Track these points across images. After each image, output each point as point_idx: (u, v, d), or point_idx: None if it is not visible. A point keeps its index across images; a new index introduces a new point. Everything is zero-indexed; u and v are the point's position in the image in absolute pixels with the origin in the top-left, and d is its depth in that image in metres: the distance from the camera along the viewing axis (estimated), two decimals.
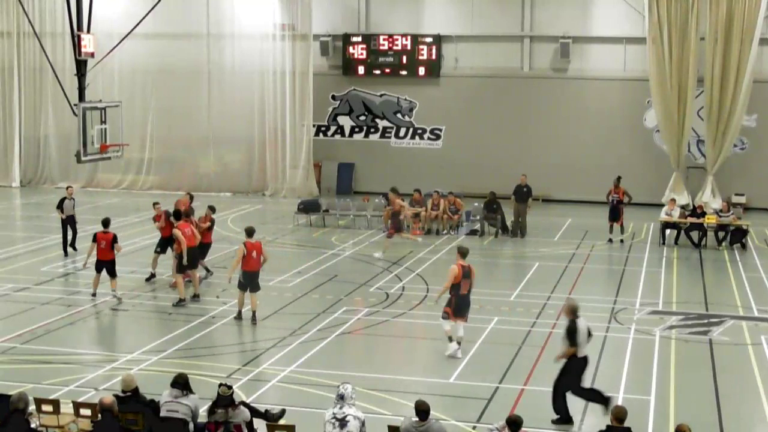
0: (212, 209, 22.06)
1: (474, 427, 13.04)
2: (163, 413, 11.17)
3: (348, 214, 29.93)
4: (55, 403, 11.72)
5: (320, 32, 36.55)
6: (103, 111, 24.37)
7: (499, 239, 27.74)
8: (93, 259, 20.18)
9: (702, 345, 17.19)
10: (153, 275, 21.41)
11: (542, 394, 14.44)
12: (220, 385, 11.15)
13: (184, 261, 19.52)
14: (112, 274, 19.79)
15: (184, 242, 19.37)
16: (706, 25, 32.34)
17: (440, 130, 36.75)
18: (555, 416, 13.20)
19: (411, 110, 36.98)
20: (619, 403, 12.92)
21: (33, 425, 10.90)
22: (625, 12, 34.45)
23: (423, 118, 36.85)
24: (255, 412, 11.68)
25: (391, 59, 36.30)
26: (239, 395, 12.94)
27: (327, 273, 22.79)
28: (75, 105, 23.79)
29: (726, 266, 24.49)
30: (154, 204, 22.34)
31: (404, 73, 36.31)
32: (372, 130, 37.40)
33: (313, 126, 36.77)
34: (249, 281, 18.24)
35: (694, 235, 26.78)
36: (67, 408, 11.76)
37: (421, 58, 36.09)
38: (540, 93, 35.55)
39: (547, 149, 35.43)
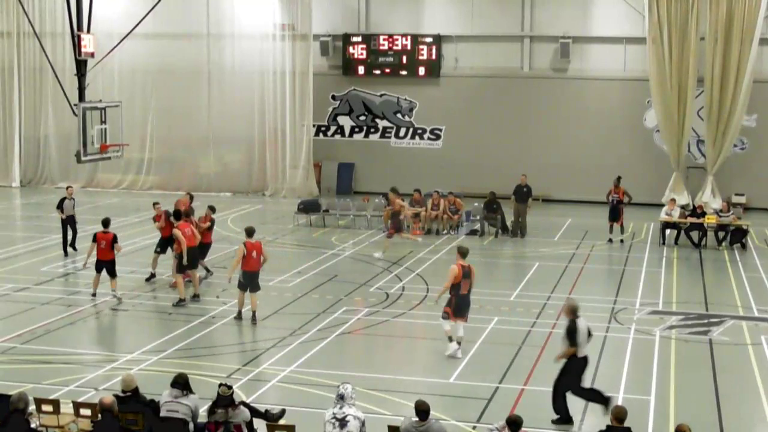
0: (212, 209, 22.07)
1: (474, 427, 13.04)
2: (163, 413, 11.17)
3: (348, 214, 29.94)
4: (55, 403, 11.73)
5: (320, 32, 36.55)
6: (103, 111, 24.37)
7: (499, 239, 27.74)
8: (93, 259, 20.19)
9: (702, 345, 17.19)
10: (153, 275, 21.41)
11: (542, 394, 14.44)
12: (220, 385, 11.16)
13: (184, 261, 19.52)
14: (112, 274, 19.79)
15: (184, 242, 19.37)
16: (706, 25, 32.35)
17: (440, 130, 36.75)
18: (555, 416, 13.20)
19: (411, 110, 36.98)
20: (619, 403, 12.93)
21: (33, 425, 10.91)
22: (625, 12, 34.46)
23: (423, 118, 36.86)
24: (255, 412, 11.69)
25: (391, 59, 36.30)
26: (239, 395, 12.94)
27: (327, 273, 22.79)
28: (75, 105, 23.79)
29: (726, 266, 24.49)
30: (154, 204, 22.35)
31: (404, 73, 36.31)
32: (372, 130, 37.40)
33: (313, 126, 36.77)
34: (249, 281, 18.25)
35: (694, 235, 26.78)
36: (67, 408, 11.77)
37: (421, 58, 36.09)
38: (540, 93, 35.55)
39: (547, 149, 35.43)
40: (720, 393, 14.56)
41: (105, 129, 24.29)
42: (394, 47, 36.19)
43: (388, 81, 36.81)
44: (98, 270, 20.03)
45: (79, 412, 11.58)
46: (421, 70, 36.21)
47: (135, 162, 37.35)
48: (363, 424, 10.52)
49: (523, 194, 27.85)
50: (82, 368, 15.34)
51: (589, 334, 13.45)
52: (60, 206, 24.32)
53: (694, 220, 26.93)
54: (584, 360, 13.31)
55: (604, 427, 10.74)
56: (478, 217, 28.57)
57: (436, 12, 36.25)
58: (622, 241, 27.27)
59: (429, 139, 36.90)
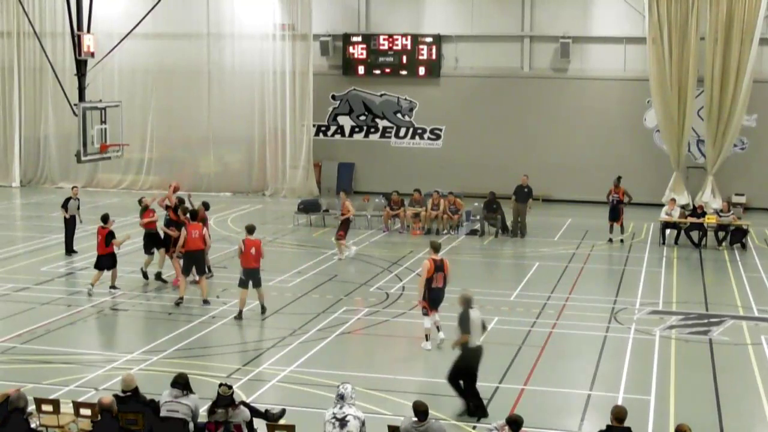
0: (206, 206, 22.12)
1: (474, 427, 13.04)
2: (163, 413, 11.17)
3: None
4: (55, 403, 11.74)
5: (320, 32, 36.56)
6: (103, 111, 24.37)
7: (499, 239, 27.74)
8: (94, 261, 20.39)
9: (702, 345, 17.19)
10: (159, 274, 21.39)
11: (542, 394, 14.47)
12: (220, 385, 11.16)
13: (179, 247, 19.65)
14: (111, 266, 20.07)
15: (184, 234, 19.38)
16: (706, 25, 32.34)
17: (440, 130, 36.75)
18: (466, 408, 13.35)
19: (411, 110, 36.98)
20: (619, 403, 12.94)
21: (33, 425, 10.91)
22: (625, 12, 34.46)
23: (423, 118, 36.86)
24: (255, 412, 11.69)
25: (391, 59, 36.30)
26: (239, 395, 12.94)
27: (327, 273, 22.79)
28: (75, 105, 23.79)
29: (726, 266, 24.49)
30: (140, 201, 22.45)
31: (404, 73, 36.31)
32: (372, 130, 37.40)
33: (313, 126, 36.78)
34: (249, 278, 18.36)
35: (694, 235, 26.79)
36: (67, 408, 11.78)
37: (421, 58, 36.09)
38: (540, 93, 35.55)
39: (547, 149, 35.43)
40: (720, 393, 14.56)
41: (105, 129, 24.29)
42: (394, 47, 36.19)
43: (388, 81, 36.81)
44: (98, 266, 20.12)
45: (79, 412, 11.59)
46: (421, 70, 36.21)
47: (135, 162, 37.37)
48: (363, 424, 10.53)
49: (523, 194, 27.85)
50: (82, 368, 15.33)
51: (484, 327, 13.86)
52: (65, 205, 24.37)
53: (694, 220, 26.93)
54: (476, 350, 13.57)
55: (604, 427, 10.74)
56: (478, 217, 28.57)
57: (436, 12, 36.25)
58: (622, 241, 27.27)
59: (429, 139, 36.90)
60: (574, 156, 35.28)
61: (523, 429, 10.40)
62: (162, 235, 21.41)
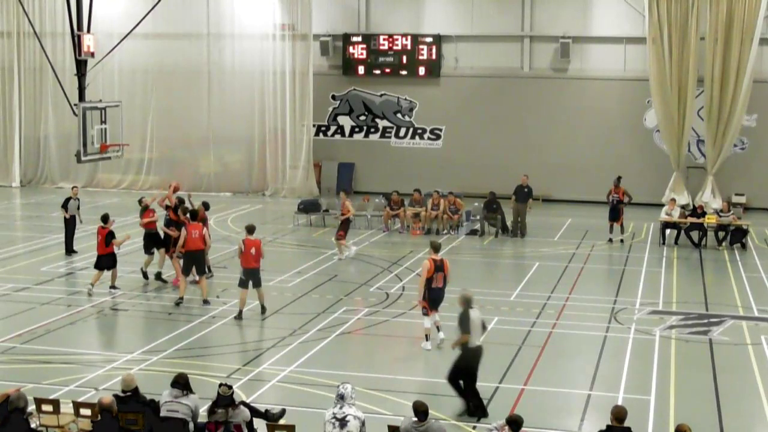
0: (206, 206, 22.12)
1: (474, 427, 13.04)
2: (163, 413, 11.17)
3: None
4: (55, 403, 11.73)
5: (320, 32, 36.56)
6: (103, 111, 24.36)
7: (499, 239, 27.74)
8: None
9: (702, 345, 17.19)
10: (159, 274, 21.39)
11: (542, 394, 14.47)
12: (220, 385, 11.16)
13: (178, 246, 19.66)
14: (111, 266, 20.09)
15: (184, 234, 19.38)
16: (706, 25, 32.34)
17: (440, 130, 36.75)
18: (466, 407, 13.34)
19: (411, 110, 36.98)
20: (619, 403, 12.95)
21: (33, 425, 10.91)
22: (625, 12, 34.46)
23: (423, 118, 36.86)
24: (255, 412, 11.69)
25: (391, 59, 36.30)
26: (239, 395, 12.94)
27: (327, 273, 22.79)
28: (75, 105, 23.78)
29: (726, 266, 24.49)
30: (140, 201, 22.46)
31: (404, 73, 36.31)
32: (372, 130, 37.40)
33: (313, 126, 36.78)
34: (249, 278, 18.38)
35: (694, 235, 26.79)
36: (67, 408, 11.77)
37: (421, 58, 36.09)
38: (540, 93, 35.55)
39: (547, 149, 35.43)
40: (720, 393, 14.56)
41: (105, 129, 24.28)
42: (394, 47, 36.19)
43: (388, 81, 36.81)
44: (98, 266, 20.14)
45: (79, 412, 11.59)
46: (421, 70, 36.21)
47: (135, 162, 37.37)
48: (363, 424, 10.53)
49: (523, 194, 27.85)
50: (82, 368, 15.34)
51: (484, 327, 13.85)
52: (65, 205, 24.38)
53: (694, 220, 26.93)
54: (476, 350, 13.56)
55: (604, 427, 10.74)
56: (478, 217, 28.57)
57: (436, 12, 36.25)
58: (622, 241, 27.28)
59: (429, 139, 36.90)
60: (574, 156, 35.28)
61: (523, 429, 10.40)
62: (162, 235, 21.42)
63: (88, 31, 24.11)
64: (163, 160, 37.49)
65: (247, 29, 36.43)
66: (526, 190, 27.95)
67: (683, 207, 29.79)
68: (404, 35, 36.09)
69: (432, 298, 16.41)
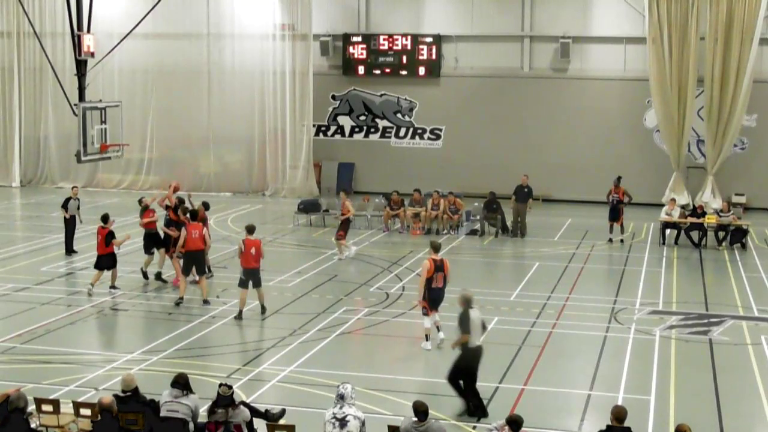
0: (206, 206, 22.12)
1: (474, 427, 13.04)
2: (163, 413, 11.17)
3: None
4: (55, 403, 11.73)
5: (320, 32, 36.56)
6: (103, 111, 24.36)
7: (499, 239, 27.74)
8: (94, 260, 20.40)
9: (702, 345, 17.19)
10: (159, 274, 21.38)
11: (542, 394, 14.47)
12: (220, 385, 11.16)
13: (179, 246, 19.68)
14: (111, 266, 20.10)
15: (184, 234, 19.38)
16: (706, 25, 32.34)
17: (440, 130, 36.75)
18: (466, 407, 13.34)
19: (411, 110, 36.98)
20: (619, 403, 12.95)
21: (33, 425, 10.91)
22: (625, 12, 34.46)
23: (423, 118, 36.85)
24: (255, 412, 11.69)
25: (391, 59, 36.30)
26: (239, 395, 12.94)
27: (327, 273, 22.79)
28: (75, 105, 23.79)
29: (726, 266, 24.49)
30: (140, 201, 22.47)
31: (404, 73, 36.31)
32: (372, 130, 37.40)
33: (313, 126, 36.78)
34: (249, 278, 18.39)
35: (694, 235, 26.79)
36: (67, 408, 11.77)
37: (421, 58, 36.09)
38: (540, 93, 35.55)
39: (547, 149, 35.43)
40: (720, 393, 14.56)
41: (105, 129, 24.29)
42: (394, 47, 36.19)
43: (388, 81, 36.81)
44: (98, 266, 20.15)
45: (79, 412, 11.59)
46: (421, 70, 36.21)
47: (135, 162, 37.37)
48: (363, 423, 10.53)
49: (523, 194, 27.84)
50: (82, 368, 15.34)
51: (484, 327, 13.86)
52: (65, 205, 24.39)
53: (694, 220, 26.93)
54: (476, 350, 13.56)
55: (604, 427, 10.74)
56: (478, 217, 28.57)
57: (436, 12, 36.25)
58: (622, 241, 27.27)
59: (429, 139, 36.90)
60: (574, 156, 35.28)
61: (523, 429, 10.40)
62: (162, 235, 21.43)
63: (88, 31, 24.12)
64: (163, 160, 37.48)
65: (247, 29, 36.43)
66: (526, 190, 27.95)
67: (683, 207, 29.79)
68: (404, 35, 36.09)
69: (432, 298, 16.43)
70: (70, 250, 24.33)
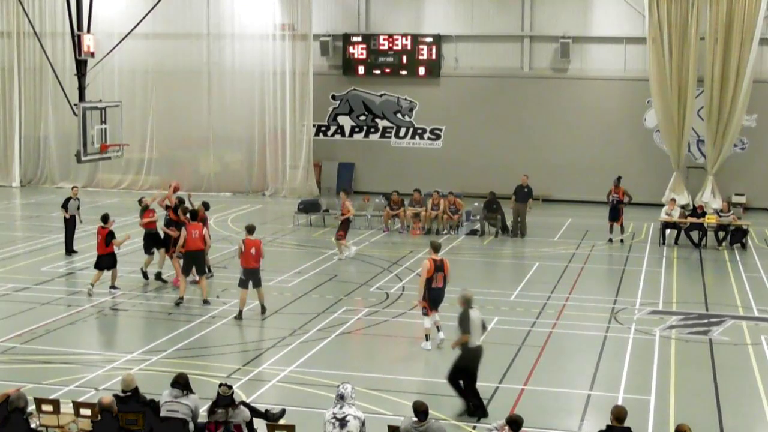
0: (206, 206, 22.12)
1: (474, 427, 13.04)
2: (163, 413, 11.17)
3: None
4: (55, 403, 11.73)
5: (320, 32, 36.57)
6: (103, 111, 24.37)
7: (499, 239, 27.74)
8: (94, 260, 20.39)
9: (702, 345, 17.19)
10: (159, 274, 21.38)
11: (542, 394, 14.47)
12: (220, 385, 11.16)
13: (179, 246, 19.69)
14: (111, 266, 20.11)
15: (184, 234, 19.38)
16: (706, 25, 32.35)
17: (440, 130, 36.75)
18: (466, 407, 13.34)
19: (411, 110, 36.98)
20: (619, 403, 12.95)
21: (33, 425, 10.91)
22: (625, 12, 34.46)
23: (423, 118, 36.86)
24: (255, 412, 11.69)
25: (391, 59, 36.30)
26: (239, 395, 12.94)
27: (327, 273, 22.79)
28: (75, 105, 23.79)
29: (726, 266, 24.49)
30: (140, 201, 22.48)
31: (404, 73, 36.31)
32: (372, 130, 37.40)
33: (313, 126, 36.78)
34: (249, 278, 18.40)
35: (694, 235, 26.79)
36: (67, 408, 11.77)
37: (421, 58, 36.09)
38: (540, 93, 35.56)
39: (547, 149, 35.44)
40: (720, 393, 14.56)
41: (105, 129, 24.30)
42: (394, 47, 36.19)
43: (388, 81, 36.82)
44: (98, 266, 20.15)
45: (79, 412, 11.59)
46: (421, 70, 36.21)
47: (135, 162, 37.37)
48: (363, 423, 10.53)
49: (523, 194, 27.84)
50: (82, 368, 15.33)
51: (484, 327, 13.86)
52: (65, 205, 24.39)
53: (694, 220, 26.93)
54: (476, 350, 13.57)
55: (604, 427, 10.74)
56: (478, 217, 28.57)
57: (436, 12, 36.25)
58: (622, 241, 27.28)
59: (429, 139, 36.90)
60: (574, 156, 35.29)
61: (523, 429, 10.40)
62: (162, 235, 21.43)
63: (88, 31, 24.12)
64: (163, 160, 37.49)
65: (247, 29, 36.44)
66: (526, 190, 27.95)
67: (683, 207, 29.79)
68: (404, 35, 36.10)
69: (432, 298, 16.43)
70: (70, 250, 24.34)
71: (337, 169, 37.32)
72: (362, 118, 37.40)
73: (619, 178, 27.92)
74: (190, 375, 11.76)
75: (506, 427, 10.46)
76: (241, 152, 37.20)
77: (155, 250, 21.45)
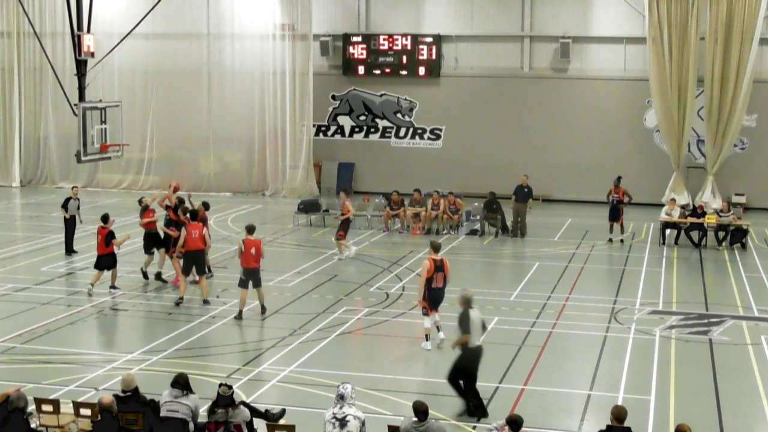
0: (206, 206, 22.12)
1: (474, 427, 13.04)
2: (163, 413, 11.17)
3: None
4: (55, 403, 11.73)
5: (320, 32, 36.57)
6: (103, 111, 24.38)
7: (499, 239, 27.73)
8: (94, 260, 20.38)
9: (702, 345, 17.19)
10: (159, 274, 21.38)
11: (542, 394, 14.47)
12: (220, 385, 11.16)
13: (179, 246, 19.69)
14: (111, 266, 20.11)
15: (184, 234, 19.38)
16: (706, 25, 32.35)
17: (440, 130, 36.75)
18: (466, 407, 13.34)
19: (411, 110, 36.98)
20: (619, 403, 12.95)
21: (33, 425, 10.91)
22: (625, 12, 34.46)
23: (423, 118, 36.85)
24: (255, 412, 11.70)
25: (391, 59, 36.30)
26: (239, 395, 12.94)
27: (327, 273, 22.79)
28: (75, 105, 23.80)
29: (726, 266, 24.49)
30: (140, 201, 22.48)
31: (404, 73, 36.31)
32: (372, 130, 37.40)
33: (313, 126, 36.78)
34: (249, 278, 18.40)
35: (694, 235, 26.78)
36: (67, 408, 11.77)
37: (421, 58, 36.09)
38: (540, 93, 35.56)
39: (547, 149, 35.44)
40: (720, 393, 14.56)
41: (105, 129, 24.31)
42: (394, 47, 36.19)
43: (388, 81, 36.82)
44: (98, 266, 20.15)
45: (79, 412, 11.59)
46: (421, 70, 36.21)
47: (135, 162, 37.37)
48: (363, 423, 10.53)
49: (523, 194, 27.84)
50: (82, 368, 15.34)
51: (484, 327, 13.86)
52: (65, 205, 24.40)
53: (694, 220, 26.93)
54: (476, 350, 13.57)
55: (604, 427, 10.74)
56: (478, 217, 28.57)
57: (436, 12, 36.25)
58: (622, 241, 27.27)
59: (429, 139, 36.90)
60: (574, 156, 35.29)
61: (523, 429, 10.40)
62: (162, 235, 21.43)
63: (88, 31, 24.13)
64: (163, 160, 37.49)
65: (247, 29, 36.44)
66: (526, 190, 27.95)
67: (683, 207, 29.79)
68: (404, 35, 36.10)
69: (432, 298, 16.43)
70: (70, 250, 24.34)
71: (337, 169, 37.33)
72: (362, 118, 37.40)
73: (619, 178, 27.92)
74: (190, 375, 11.76)
75: (506, 427, 10.46)
76: (241, 152, 37.20)
77: (155, 250, 21.45)
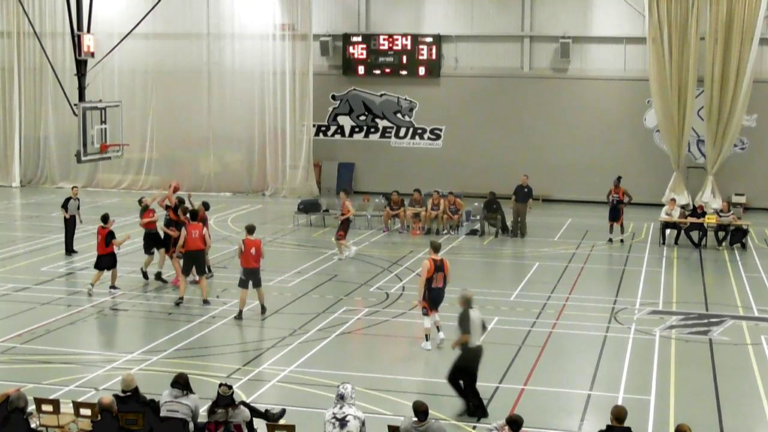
0: (206, 206, 22.11)
1: (474, 427, 13.04)
2: (163, 413, 11.17)
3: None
4: (55, 403, 11.73)
5: (320, 32, 36.57)
6: (103, 111, 24.37)
7: (499, 239, 27.74)
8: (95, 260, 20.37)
9: (702, 345, 17.19)
10: (159, 274, 21.38)
11: (542, 394, 14.47)
12: (220, 385, 11.17)
13: (179, 246, 19.70)
14: (111, 266, 20.11)
15: (184, 234, 19.38)
16: (706, 25, 32.35)
17: (440, 130, 36.75)
18: (466, 407, 13.34)
19: (411, 110, 36.98)
20: (619, 403, 12.95)
21: (33, 425, 10.91)
22: (625, 12, 34.46)
23: (423, 118, 36.86)
24: (255, 412, 11.70)
25: (391, 59, 36.30)
26: (239, 395, 12.94)
27: (327, 273, 22.79)
28: (75, 105, 23.80)
29: (726, 266, 24.49)
30: (140, 201, 22.49)
31: (404, 73, 36.31)
32: (372, 130, 37.40)
33: (313, 126, 36.78)
34: (249, 278, 18.41)
35: (694, 235, 26.79)
36: (67, 408, 11.77)
37: (421, 58, 36.09)
38: (540, 93, 35.56)
39: (547, 149, 35.44)
40: (720, 393, 14.56)
41: (105, 129, 24.31)
42: (394, 47, 36.19)
43: (388, 81, 36.82)
44: (98, 266, 20.15)
45: (79, 412, 11.59)
46: (421, 70, 36.21)
47: (135, 162, 37.37)
48: (363, 423, 10.53)
49: (523, 194, 27.84)
50: (82, 368, 15.34)
51: (484, 327, 13.86)
52: (65, 205, 24.40)
53: (694, 220, 26.93)
54: (476, 350, 13.57)
55: (604, 427, 10.74)
56: (478, 217, 28.57)
57: (436, 12, 36.26)
58: (622, 241, 27.28)
59: (429, 139, 36.90)
60: (574, 156, 35.29)
61: (523, 429, 10.40)
62: (162, 235, 21.43)
63: (88, 31, 24.13)
64: (163, 160, 37.49)
65: (247, 29, 36.44)
66: (526, 190, 27.95)
67: (683, 207, 29.79)
68: (404, 35, 36.10)
69: (432, 298, 16.43)
70: (70, 250, 24.34)
71: (337, 169, 37.33)
72: (362, 118, 37.40)
73: (619, 178, 27.92)
74: (190, 375, 11.76)
75: (506, 427, 10.46)
76: (241, 152, 37.20)
77: (155, 250, 21.46)
